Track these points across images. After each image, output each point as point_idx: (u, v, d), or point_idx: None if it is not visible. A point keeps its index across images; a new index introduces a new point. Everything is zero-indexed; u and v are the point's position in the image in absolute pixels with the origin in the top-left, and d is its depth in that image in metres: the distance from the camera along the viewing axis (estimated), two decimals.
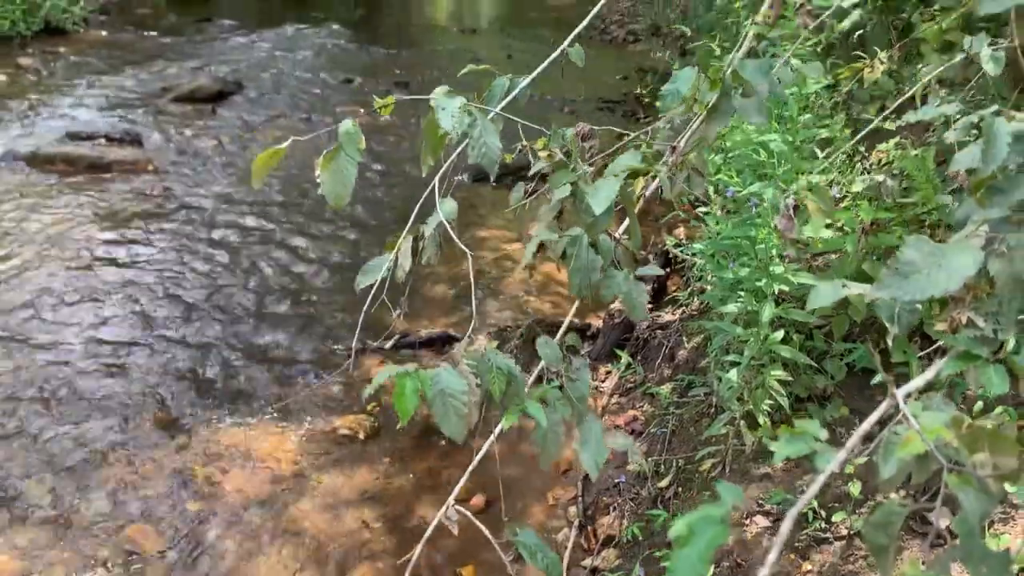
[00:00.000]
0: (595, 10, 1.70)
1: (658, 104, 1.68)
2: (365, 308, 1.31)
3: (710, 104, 1.27)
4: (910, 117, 1.95)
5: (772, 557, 0.60)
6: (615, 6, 12.87)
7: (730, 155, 2.39)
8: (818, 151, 2.51)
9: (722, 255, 2.52)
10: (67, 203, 4.93)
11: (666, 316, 3.67)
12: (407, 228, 1.32)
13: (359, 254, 4.67)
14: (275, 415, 3.22)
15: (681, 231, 4.17)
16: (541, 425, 1.06)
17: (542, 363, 1.16)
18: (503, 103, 1.25)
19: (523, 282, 4.35)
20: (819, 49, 3.62)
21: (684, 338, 3.31)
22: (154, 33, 9.09)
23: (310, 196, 5.31)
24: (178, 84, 7.16)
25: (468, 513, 1.21)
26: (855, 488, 2.06)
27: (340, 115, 7.02)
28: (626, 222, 1.27)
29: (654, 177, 1.39)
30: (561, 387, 1.09)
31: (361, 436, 3.14)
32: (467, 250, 1.36)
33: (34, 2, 8.33)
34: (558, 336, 1.19)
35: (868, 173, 2.64)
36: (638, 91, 7.81)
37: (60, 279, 4.07)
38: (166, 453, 2.97)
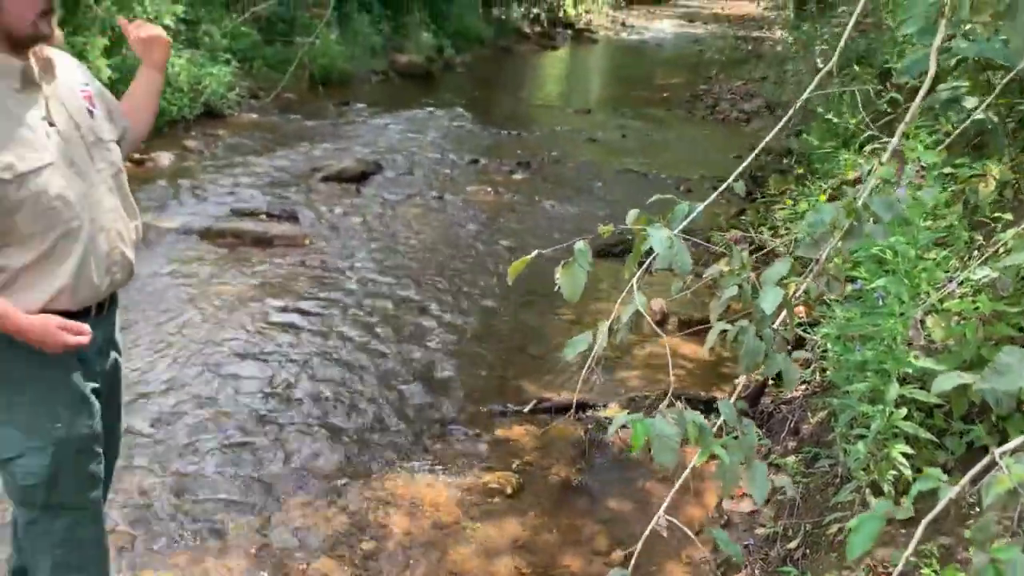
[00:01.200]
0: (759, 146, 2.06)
1: (737, 187, 2.01)
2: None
3: (846, 228, 1.61)
4: None
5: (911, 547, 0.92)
6: (726, 85, 13.28)
7: (854, 252, 2.70)
8: (936, 249, 2.78)
9: (848, 339, 2.80)
10: (238, 273, 5.57)
11: (789, 393, 3.92)
12: (612, 314, 1.67)
13: (491, 323, 5.10)
14: (432, 468, 3.62)
15: (801, 310, 4.42)
16: (724, 462, 1.40)
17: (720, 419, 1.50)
18: (683, 223, 1.62)
19: (649, 355, 4.67)
20: (940, 147, 3.88)
21: (808, 413, 3.55)
22: (299, 116, 10.00)
23: (447, 270, 5.82)
24: (325, 165, 7.91)
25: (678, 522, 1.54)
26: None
27: (470, 193, 7.61)
28: (783, 314, 1.61)
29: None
30: (735, 437, 1.43)
31: (508, 491, 3.49)
32: (659, 332, 1.71)
33: (197, 89, 9.33)
34: (732, 398, 1.53)
35: (986, 264, 2.89)
36: (752, 172, 8.09)
37: (235, 339, 4.64)
38: (340, 497, 3.40)
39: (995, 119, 3.88)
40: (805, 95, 2.02)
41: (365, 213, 6.89)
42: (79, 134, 1.99)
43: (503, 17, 17.98)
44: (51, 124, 1.93)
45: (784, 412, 3.73)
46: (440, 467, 3.64)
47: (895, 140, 1.95)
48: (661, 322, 4.99)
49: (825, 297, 3.19)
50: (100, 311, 2.12)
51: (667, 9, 26.03)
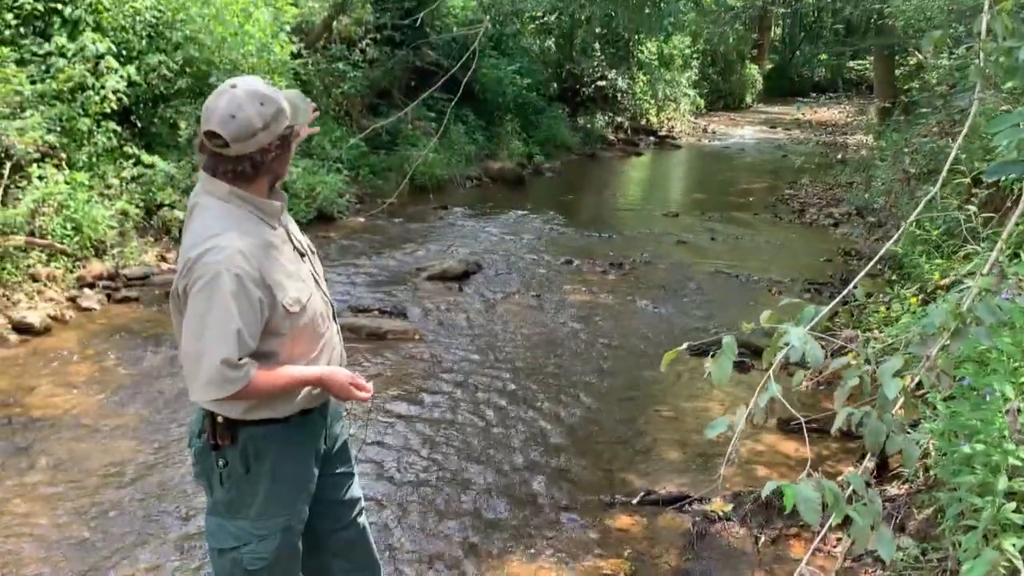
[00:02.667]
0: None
1: (857, 293, 2.25)
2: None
3: (953, 329, 1.86)
4: None
5: None
6: (812, 190, 13.51)
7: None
8: None
9: (953, 434, 2.97)
10: (355, 366, 5.99)
11: (892, 490, 4.03)
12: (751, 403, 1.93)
13: (595, 417, 5.35)
14: (548, 553, 3.84)
15: (901, 411, 4.54)
16: (857, 523, 1.63)
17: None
18: (811, 323, 1.89)
19: (750, 452, 4.83)
20: None
21: (913, 510, 3.66)
22: (402, 220, 10.65)
23: (549, 365, 6.13)
24: (429, 265, 8.42)
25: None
26: None
27: (566, 292, 7.97)
28: (900, 401, 1.85)
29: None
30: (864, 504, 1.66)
31: None
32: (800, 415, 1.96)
33: (312, 195, 10.08)
34: (860, 471, 1.76)
35: None
36: (844, 276, 8.24)
37: (358, 428, 5.00)
38: None
39: None
40: (913, 216, 2.28)
41: (468, 310, 7.30)
42: (310, 254, 2.40)
43: (588, 126, 18.74)
44: (302, 254, 2.34)
45: (888, 509, 3.83)
46: (556, 552, 3.85)
47: (996, 252, 2.21)
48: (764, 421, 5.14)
49: (927, 397, 3.37)
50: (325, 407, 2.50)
51: (748, 115, 26.60)
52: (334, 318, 2.46)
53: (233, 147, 2.10)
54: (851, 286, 2.12)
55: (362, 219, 10.57)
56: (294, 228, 2.40)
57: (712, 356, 1.81)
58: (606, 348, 6.55)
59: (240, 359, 2.09)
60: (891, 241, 2.91)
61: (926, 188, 7.67)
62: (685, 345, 1.95)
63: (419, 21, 11.05)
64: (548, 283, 8.30)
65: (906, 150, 8.09)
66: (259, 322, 2.13)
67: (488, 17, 9.82)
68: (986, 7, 2.27)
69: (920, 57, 13.94)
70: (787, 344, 1.73)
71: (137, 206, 8.00)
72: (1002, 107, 5.47)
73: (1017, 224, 3.65)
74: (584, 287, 8.16)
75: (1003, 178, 5.10)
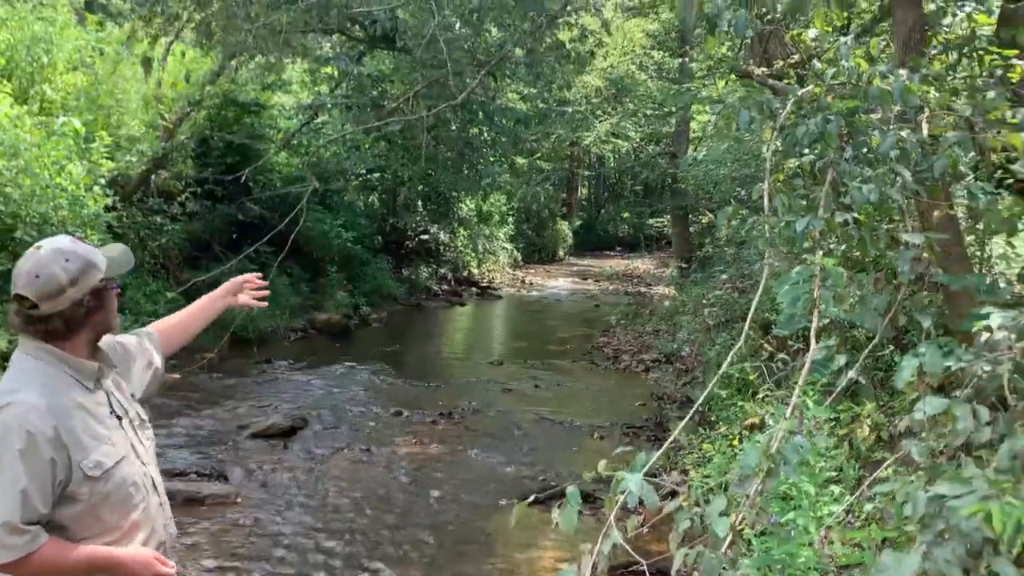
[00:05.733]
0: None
1: (681, 438, 2.48)
2: None
3: (768, 469, 2.09)
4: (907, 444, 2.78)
5: None
6: (623, 337, 14.35)
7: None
8: (833, 488, 3.30)
9: (768, 568, 3.20)
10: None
11: None
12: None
13: (426, 574, 5.24)
14: None
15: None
16: None
17: None
18: (644, 468, 2.06)
19: None
20: (822, 394, 4.55)
21: None
22: (221, 375, 10.24)
23: (379, 523, 5.99)
24: (252, 422, 8.10)
25: None
26: None
27: (396, 445, 7.89)
28: (729, 538, 2.03)
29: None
30: None
31: None
32: (641, 559, 2.09)
33: None
34: None
35: (872, 500, 3.41)
36: (658, 419, 8.72)
37: None
38: None
39: (863, 379, 4.63)
40: (723, 368, 2.55)
41: (294, 469, 7.05)
42: (129, 419, 2.30)
43: (413, 277, 19.14)
44: (119, 417, 2.24)
45: None
46: None
47: (795, 397, 2.51)
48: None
49: (743, 533, 3.62)
50: None
51: (561, 267, 28.17)
52: (156, 490, 2.33)
53: (42, 306, 2.06)
54: (676, 432, 2.33)
55: (177, 375, 10.04)
56: (121, 393, 2.32)
57: (558, 506, 1.92)
58: (438, 501, 6.50)
59: (26, 523, 1.94)
60: (707, 389, 3.20)
61: (724, 336, 8.43)
62: (533, 497, 2.05)
63: (242, 177, 11.09)
64: (378, 436, 8.19)
65: (704, 303, 8.89)
66: (52, 485, 1.99)
67: (313, 176, 10.03)
68: (766, 183, 2.68)
69: (711, 216, 15.57)
70: (625, 491, 1.87)
71: None
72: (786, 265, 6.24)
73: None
74: (414, 438, 8.13)
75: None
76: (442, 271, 20.68)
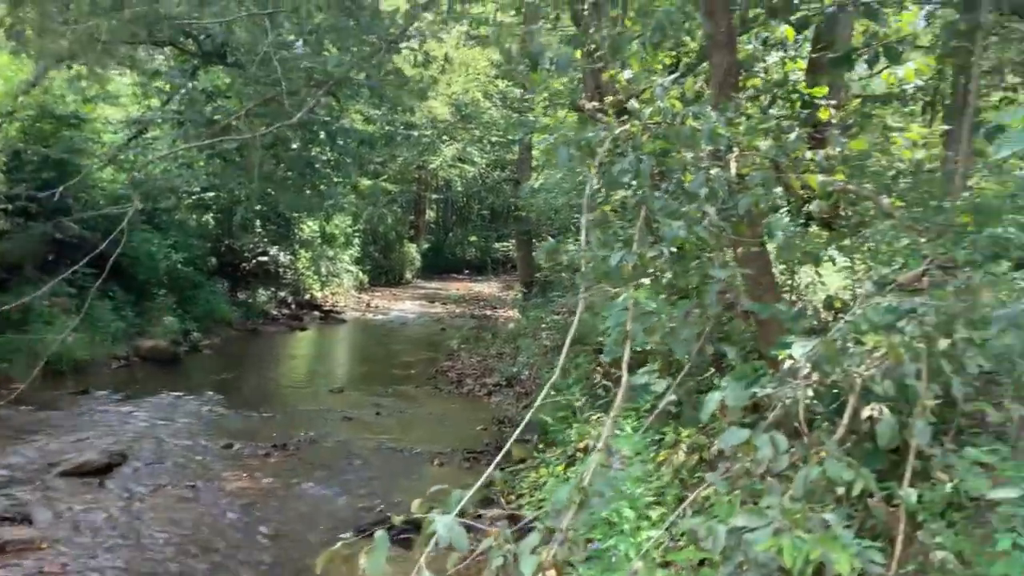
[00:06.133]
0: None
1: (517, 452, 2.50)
2: None
3: (580, 502, 2.12)
4: (711, 477, 2.90)
5: None
6: (468, 361, 14.40)
7: (593, 515, 3.24)
8: (651, 512, 3.40)
9: None
10: None
11: None
12: None
13: None
14: None
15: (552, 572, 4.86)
16: None
17: None
18: (458, 507, 2.03)
19: None
20: (643, 419, 4.72)
21: None
22: (32, 408, 9.42)
23: (203, 566, 5.66)
24: (64, 459, 7.48)
25: None
26: None
27: (225, 480, 7.51)
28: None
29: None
30: None
31: None
32: None
33: None
34: None
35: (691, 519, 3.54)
36: (499, 443, 8.77)
37: None
38: None
39: (684, 401, 4.82)
40: (536, 403, 2.58)
41: (110, 509, 6.56)
42: None
43: (250, 300, 18.42)
44: None
45: None
46: None
47: (606, 431, 2.56)
48: None
49: (570, 559, 3.68)
50: None
51: (408, 290, 27.96)
52: None
53: None
54: (490, 470, 2.33)
55: None
56: None
57: (366, 551, 1.86)
58: (267, 538, 6.22)
59: None
60: (529, 412, 3.23)
61: (561, 360, 8.61)
62: (339, 544, 1.98)
63: (58, 194, 10.29)
64: (205, 471, 7.77)
65: (543, 326, 9.06)
66: None
67: (137, 194, 9.46)
68: (584, 219, 2.74)
69: (552, 242, 15.95)
70: (434, 532, 1.84)
71: None
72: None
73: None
74: (245, 472, 7.77)
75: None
76: (282, 294, 20.02)
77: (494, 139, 24.21)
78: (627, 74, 3.67)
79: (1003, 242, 4.98)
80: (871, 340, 2.80)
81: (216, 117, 11.22)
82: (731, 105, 3.44)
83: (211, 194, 17.18)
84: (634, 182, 2.91)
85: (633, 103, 3.07)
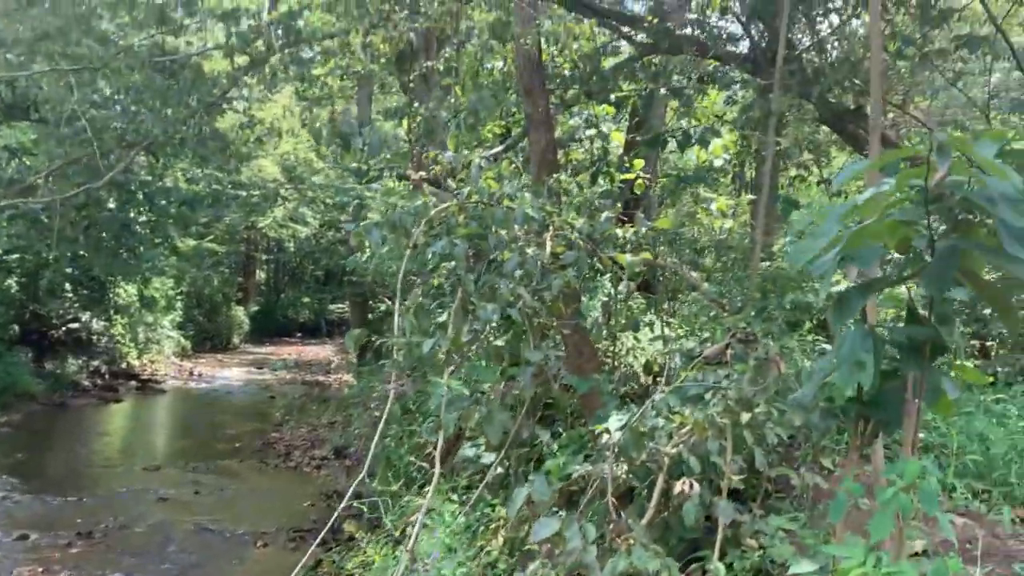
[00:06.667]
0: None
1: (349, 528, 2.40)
2: None
3: None
4: None
5: None
6: (297, 431, 13.87)
7: None
8: None
9: None
10: None
11: None
12: None
13: None
14: None
15: None
16: None
17: None
18: None
19: None
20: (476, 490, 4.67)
21: None
22: None
23: None
24: None
25: None
26: None
27: None
28: None
29: None
30: None
31: None
32: None
33: None
34: None
35: None
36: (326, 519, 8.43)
37: None
38: None
39: (510, 470, 4.83)
40: (359, 477, 2.49)
41: None
42: None
43: (58, 371, 16.96)
44: None
45: None
46: None
47: (421, 515, 2.50)
48: None
49: None
50: None
51: (236, 356, 26.69)
52: None
53: None
54: (316, 543, 2.20)
55: None
56: None
57: None
58: None
59: None
60: (352, 486, 3.11)
61: (394, 429, 8.44)
62: None
63: None
64: None
65: (375, 395, 8.88)
66: None
67: None
68: (396, 306, 2.71)
69: (388, 304, 15.79)
70: None
71: None
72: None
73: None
74: (41, 567, 7.03)
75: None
76: (95, 363, 18.57)
77: (328, 200, 23.85)
78: (448, 155, 3.71)
79: (803, 305, 5.39)
80: (678, 418, 2.92)
81: (15, 176, 10.40)
82: (545, 188, 3.55)
83: (15, 256, 15.83)
84: (451, 264, 2.91)
85: (450, 183, 3.09)
